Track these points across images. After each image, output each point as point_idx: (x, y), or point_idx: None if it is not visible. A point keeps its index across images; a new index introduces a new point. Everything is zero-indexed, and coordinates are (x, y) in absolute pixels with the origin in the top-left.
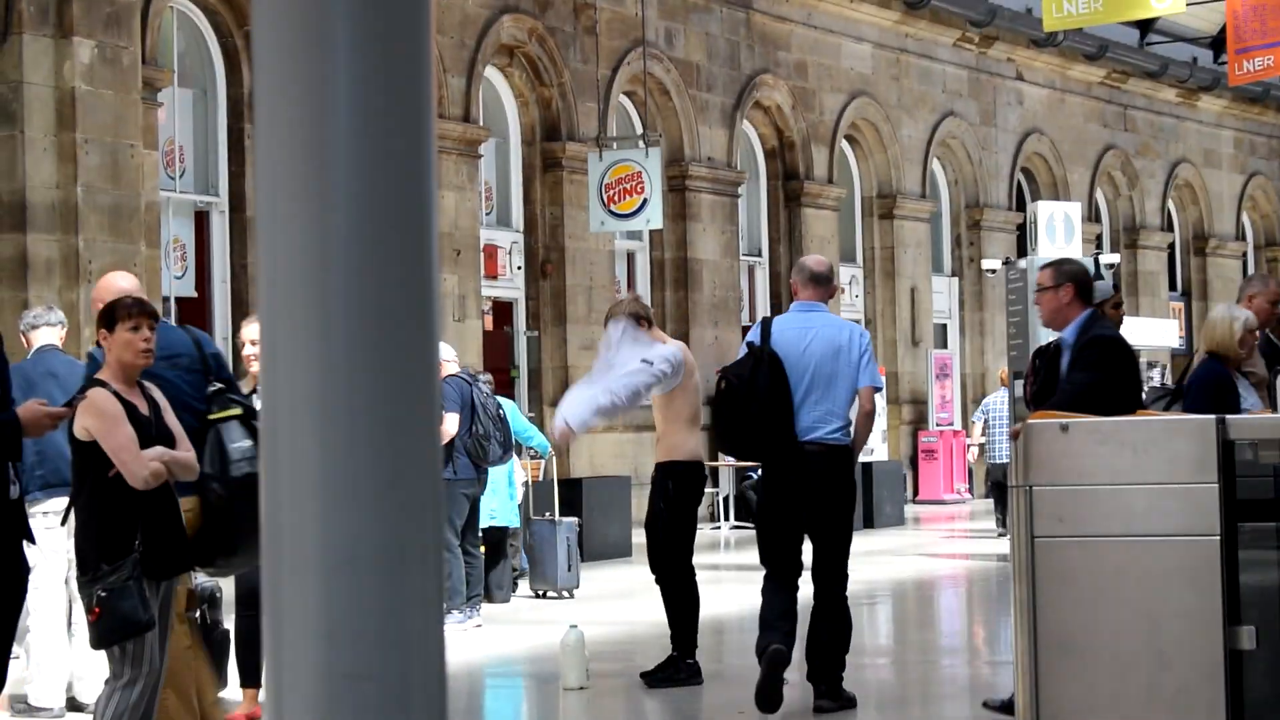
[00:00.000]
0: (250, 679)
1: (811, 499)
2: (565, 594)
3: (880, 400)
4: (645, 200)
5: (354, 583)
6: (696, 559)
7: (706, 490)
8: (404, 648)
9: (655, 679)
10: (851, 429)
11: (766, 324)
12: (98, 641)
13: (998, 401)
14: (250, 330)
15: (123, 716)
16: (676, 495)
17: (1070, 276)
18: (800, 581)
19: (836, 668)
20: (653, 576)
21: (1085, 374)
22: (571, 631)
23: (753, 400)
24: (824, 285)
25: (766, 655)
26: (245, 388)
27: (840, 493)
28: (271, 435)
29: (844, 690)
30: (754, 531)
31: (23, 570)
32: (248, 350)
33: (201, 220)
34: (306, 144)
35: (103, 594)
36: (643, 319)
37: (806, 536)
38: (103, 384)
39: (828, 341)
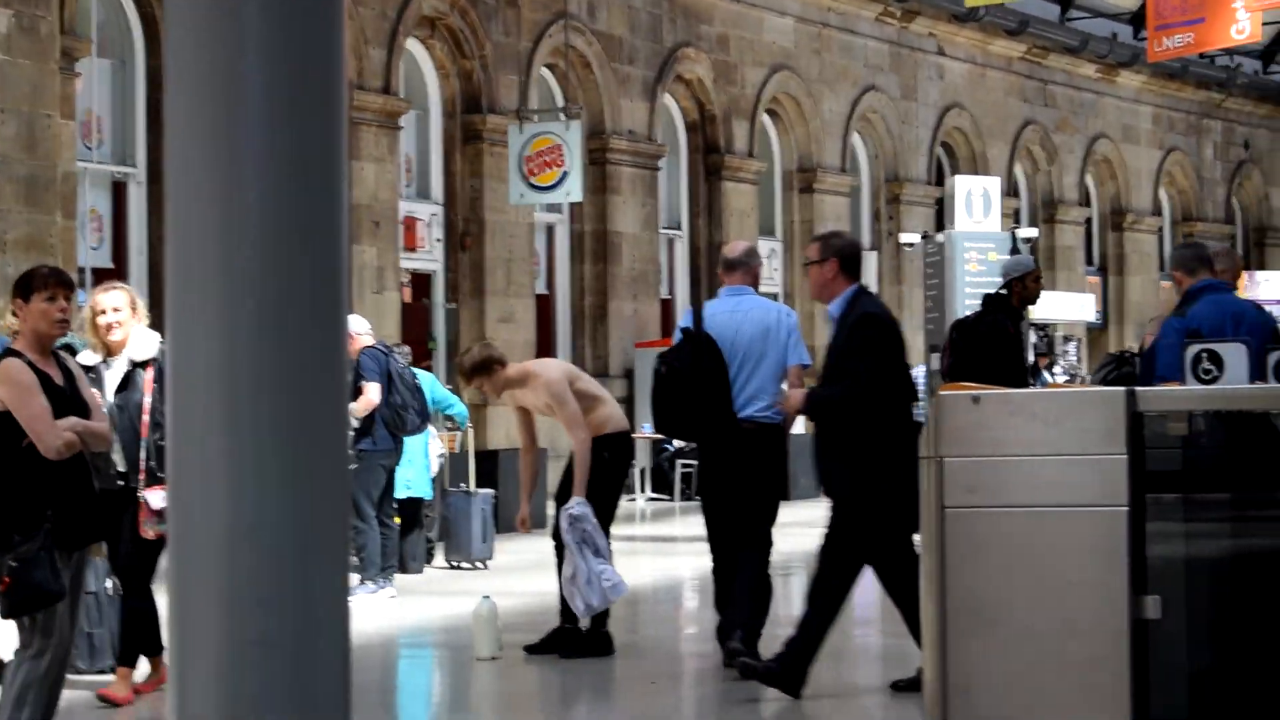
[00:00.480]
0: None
1: (746, 474)
2: (479, 565)
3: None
4: (565, 173)
5: (257, 551)
6: (616, 530)
7: None
8: (307, 615)
9: (538, 650)
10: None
11: (698, 309)
12: (8, 611)
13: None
14: (107, 298)
15: (30, 687)
16: (611, 465)
17: (836, 251)
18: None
19: (756, 630)
20: (553, 545)
21: (864, 361)
22: (484, 602)
23: (695, 383)
24: (743, 269)
25: (739, 666)
26: (93, 358)
27: (772, 467)
28: (178, 406)
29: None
30: (678, 506)
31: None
32: (101, 319)
33: (119, 191)
34: (216, 117)
35: (14, 564)
36: (495, 363)
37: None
38: (16, 354)
39: (757, 323)
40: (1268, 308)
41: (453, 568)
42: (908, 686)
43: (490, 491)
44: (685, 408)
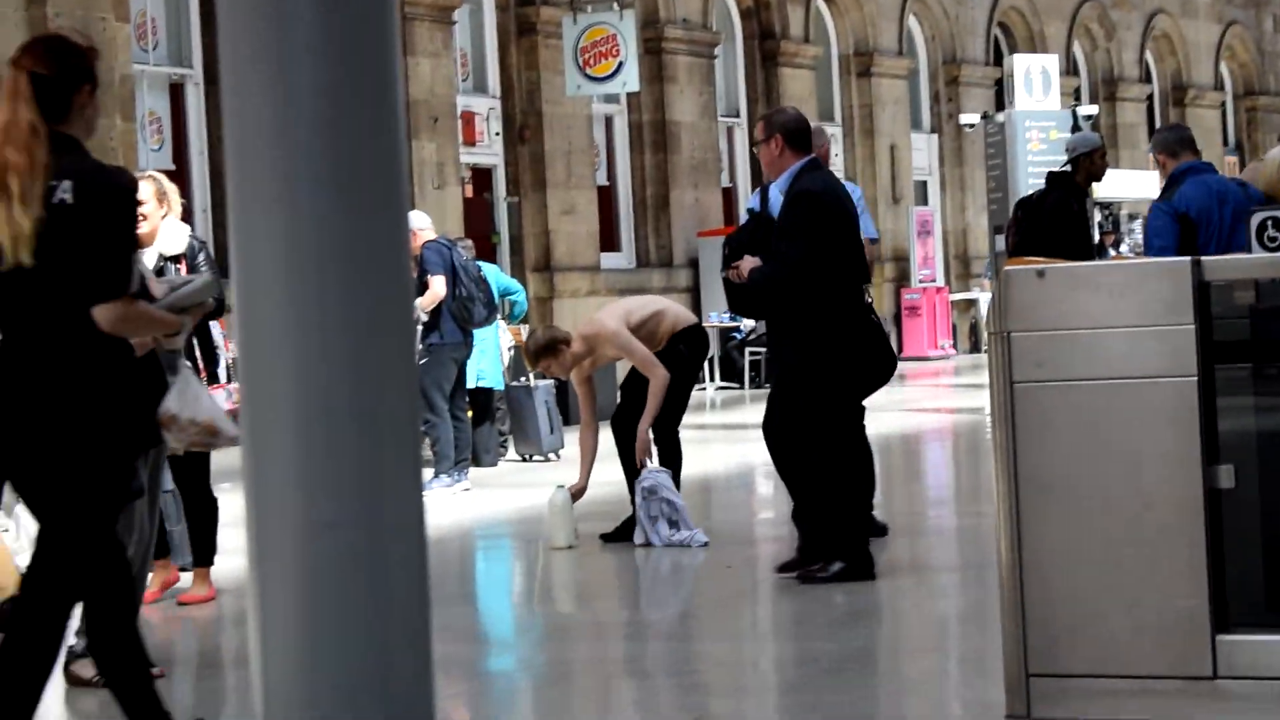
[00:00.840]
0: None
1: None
2: (551, 456)
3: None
4: (621, 63)
5: (330, 434)
6: (686, 419)
7: None
8: (381, 497)
9: (613, 538)
10: None
11: (764, 190)
12: None
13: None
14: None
15: None
16: (688, 358)
17: (779, 127)
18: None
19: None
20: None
21: (793, 245)
22: (558, 492)
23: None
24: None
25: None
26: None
27: None
28: (244, 296)
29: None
30: (747, 394)
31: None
32: None
33: (176, 92)
34: (267, 15)
35: None
36: (560, 343)
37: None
38: None
39: None
40: None
41: (524, 460)
42: (786, 568)
43: (550, 383)
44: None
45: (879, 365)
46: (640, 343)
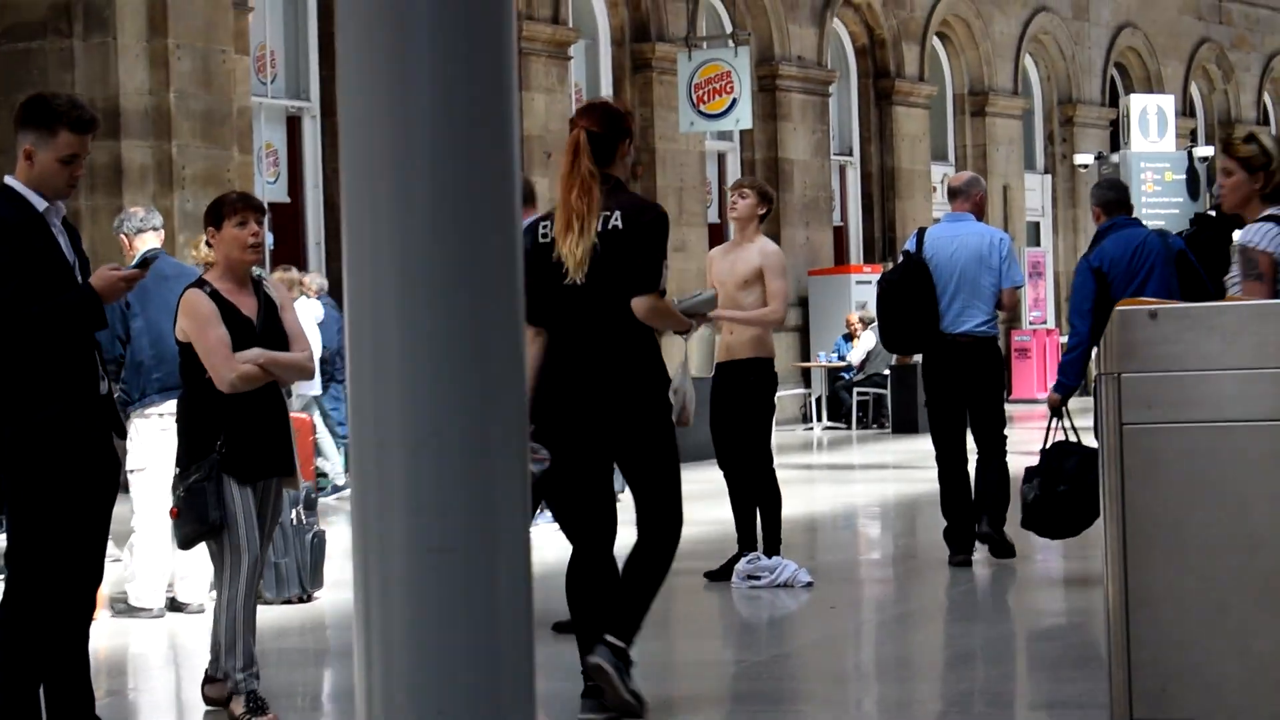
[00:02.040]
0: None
1: (965, 382)
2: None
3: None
4: (735, 100)
5: (438, 458)
6: (792, 458)
7: (801, 391)
8: (488, 521)
9: (717, 576)
10: (997, 322)
11: (921, 234)
12: (180, 541)
13: None
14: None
15: (227, 606)
16: (760, 388)
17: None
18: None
19: (1002, 516)
20: (723, 474)
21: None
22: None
23: (901, 299)
24: (962, 196)
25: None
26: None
27: (989, 374)
28: (356, 325)
29: (1006, 537)
30: (854, 435)
31: (115, 466)
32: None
33: (294, 125)
34: (387, 49)
35: (182, 494)
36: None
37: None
38: (201, 284)
39: (972, 249)
40: None
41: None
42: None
43: None
44: (894, 321)
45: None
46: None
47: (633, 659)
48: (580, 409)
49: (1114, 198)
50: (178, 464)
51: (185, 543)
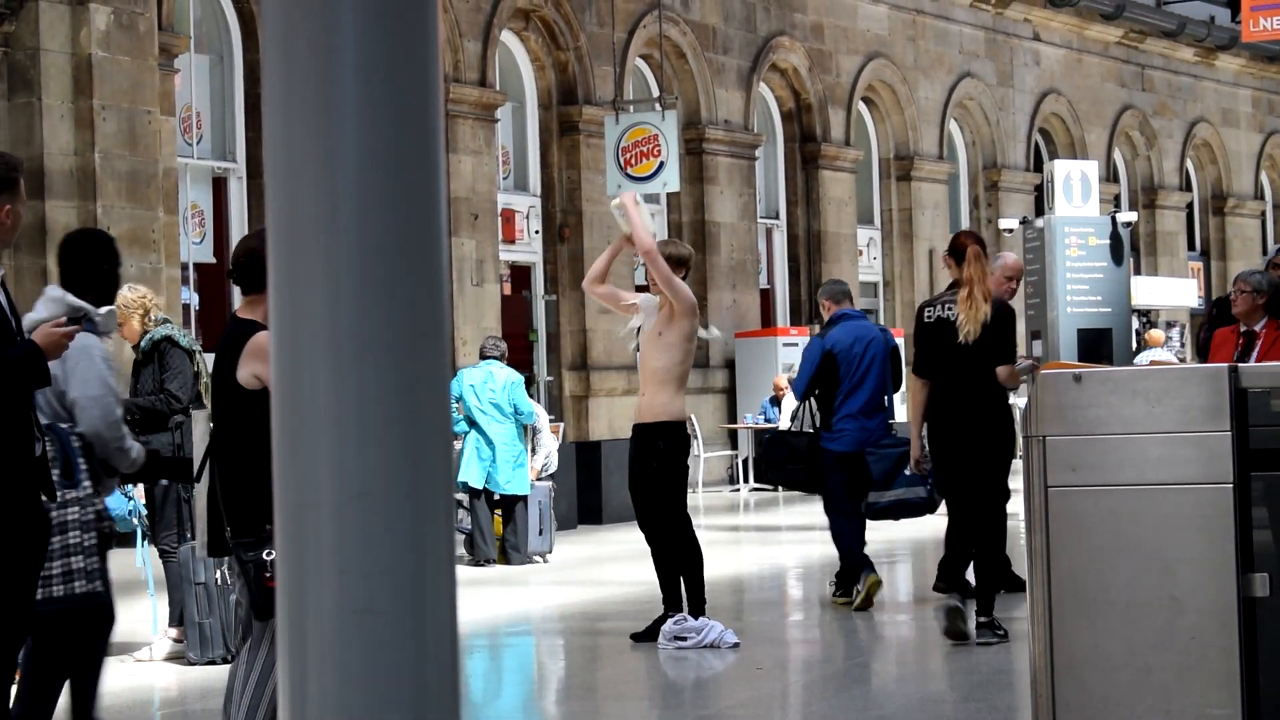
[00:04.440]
0: None
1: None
2: (538, 559)
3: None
4: (662, 163)
5: (365, 519)
6: (719, 519)
7: (727, 453)
8: (416, 584)
9: (643, 638)
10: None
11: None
12: (269, 611)
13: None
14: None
15: (266, 677)
16: (670, 453)
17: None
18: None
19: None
20: (644, 535)
21: None
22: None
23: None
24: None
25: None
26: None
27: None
28: (283, 384)
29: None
30: (781, 497)
31: (45, 529)
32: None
33: (219, 186)
34: (313, 111)
35: (270, 558)
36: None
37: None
38: (262, 326)
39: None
40: None
41: (482, 564)
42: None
43: (548, 485)
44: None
45: None
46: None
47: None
48: (963, 432)
49: (841, 290)
50: (244, 526)
51: (268, 613)
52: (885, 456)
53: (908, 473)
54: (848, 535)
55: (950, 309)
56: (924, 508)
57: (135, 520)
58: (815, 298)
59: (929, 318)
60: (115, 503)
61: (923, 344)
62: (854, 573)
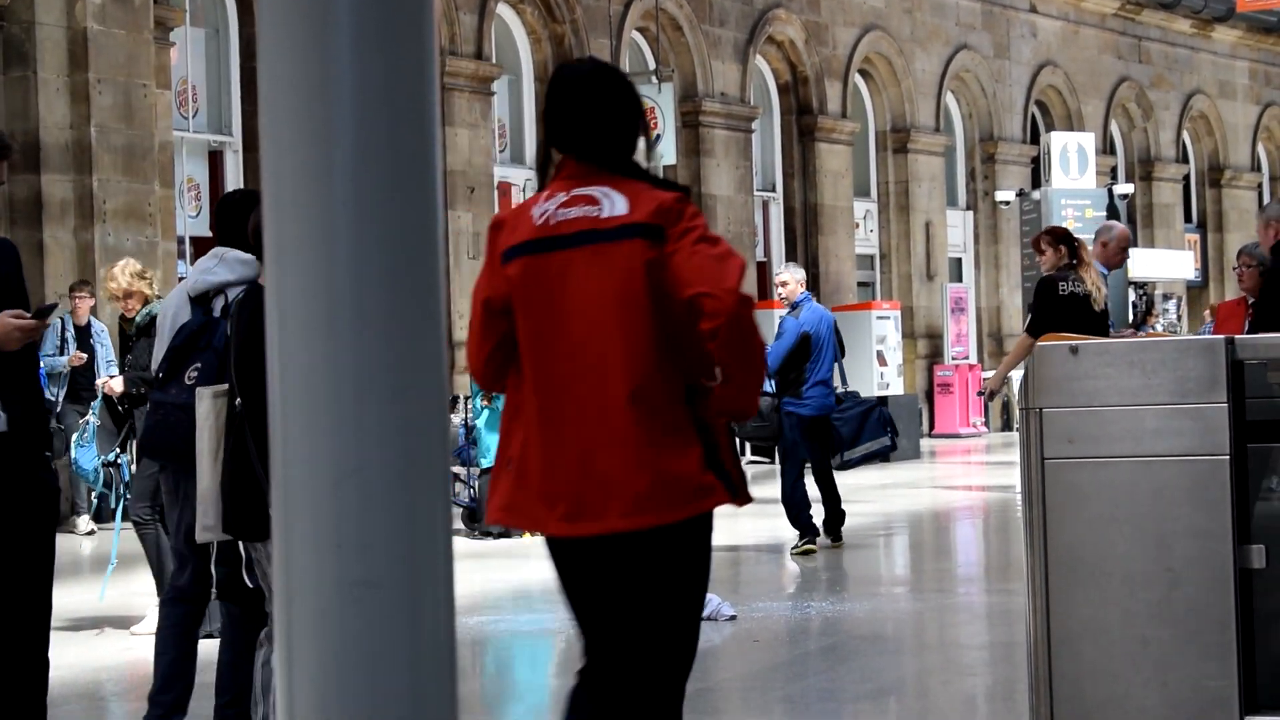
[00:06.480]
0: None
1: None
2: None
3: (895, 334)
4: (658, 136)
5: (362, 492)
6: None
7: None
8: (412, 556)
9: None
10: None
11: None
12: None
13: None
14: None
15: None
16: None
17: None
18: None
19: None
20: None
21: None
22: None
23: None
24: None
25: None
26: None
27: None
28: (279, 355)
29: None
30: (778, 469)
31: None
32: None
33: (215, 160)
34: (309, 84)
35: None
36: None
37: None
38: None
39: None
40: None
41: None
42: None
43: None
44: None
45: None
46: None
47: None
48: None
49: (804, 276)
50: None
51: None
52: (850, 418)
53: (877, 420)
54: (799, 500)
55: (1079, 284)
56: (888, 452)
57: (108, 487)
58: (776, 277)
59: (1064, 291)
60: (87, 459)
61: (1054, 313)
62: (837, 521)
